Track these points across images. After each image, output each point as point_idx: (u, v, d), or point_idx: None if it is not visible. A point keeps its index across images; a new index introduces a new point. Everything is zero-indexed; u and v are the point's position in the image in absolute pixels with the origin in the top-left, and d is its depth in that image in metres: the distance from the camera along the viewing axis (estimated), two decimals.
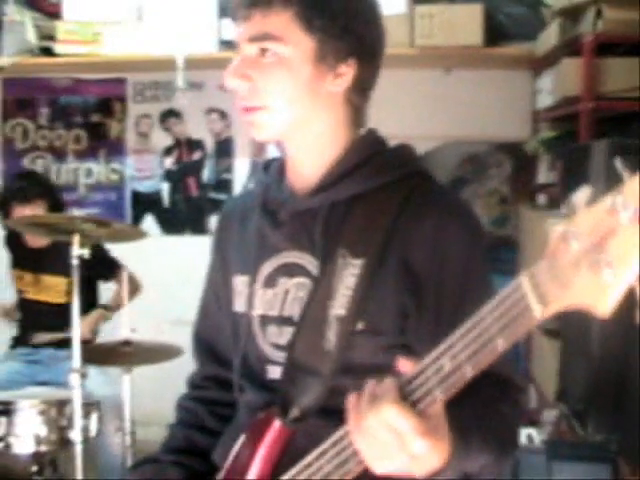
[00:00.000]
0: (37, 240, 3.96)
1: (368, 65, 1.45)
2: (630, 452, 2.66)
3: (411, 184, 1.45)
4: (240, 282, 1.55)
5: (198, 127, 4.97)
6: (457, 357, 1.11)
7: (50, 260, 3.86)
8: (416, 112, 4.72)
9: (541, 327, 3.87)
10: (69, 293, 3.81)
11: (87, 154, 5.12)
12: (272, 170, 1.57)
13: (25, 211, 3.89)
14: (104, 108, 5.09)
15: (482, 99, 4.67)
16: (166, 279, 4.81)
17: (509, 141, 4.72)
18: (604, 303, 0.96)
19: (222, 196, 4.94)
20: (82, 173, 5.03)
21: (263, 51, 1.40)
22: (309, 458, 1.31)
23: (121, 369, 3.39)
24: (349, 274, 1.39)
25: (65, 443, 3.28)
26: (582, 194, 0.99)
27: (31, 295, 4.08)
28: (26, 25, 4.56)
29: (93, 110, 5.11)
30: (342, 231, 1.43)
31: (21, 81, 5.15)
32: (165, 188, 5.06)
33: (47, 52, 4.64)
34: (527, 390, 1.35)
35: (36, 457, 3.39)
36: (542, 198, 4.57)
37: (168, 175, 5.05)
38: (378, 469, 1.18)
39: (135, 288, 3.95)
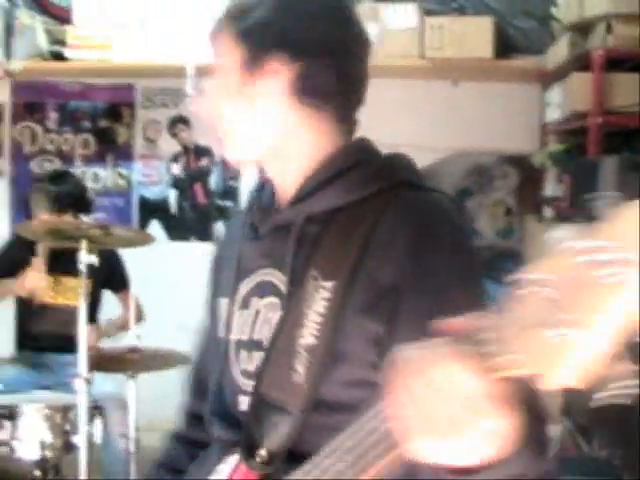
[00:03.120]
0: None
1: (311, 62, 1.32)
2: (634, 469, 2.66)
3: (392, 196, 1.31)
4: (222, 305, 1.44)
5: (206, 134, 4.98)
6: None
7: (69, 261, 3.79)
8: (424, 123, 4.73)
9: None
10: (90, 295, 3.76)
11: (95, 159, 5.13)
12: (267, 188, 1.45)
13: (50, 218, 3.85)
14: (113, 113, 5.10)
15: (490, 111, 4.68)
16: (171, 285, 4.81)
17: (516, 153, 4.72)
18: (556, 372, 0.80)
19: (229, 203, 4.95)
20: (89, 178, 5.03)
21: None
22: (319, 457, 1.11)
23: (126, 375, 3.40)
24: (319, 298, 1.27)
25: (69, 448, 3.29)
26: (560, 234, 0.84)
27: (48, 298, 4.03)
28: (37, 29, 4.58)
29: (102, 115, 5.12)
30: (315, 249, 1.31)
31: (31, 85, 5.16)
32: (172, 194, 5.06)
33: (57, 57, 4.66)
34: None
35: (40, 462, 3.39)
36: (548, 211, 4.58)
37: (175, 181, 5.06)
38: (432, 452, 0.90)
39: (139, 316, 3.85)
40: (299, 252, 1.32)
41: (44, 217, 3.83)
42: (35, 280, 3.89)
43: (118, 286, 4.08)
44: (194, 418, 1.57)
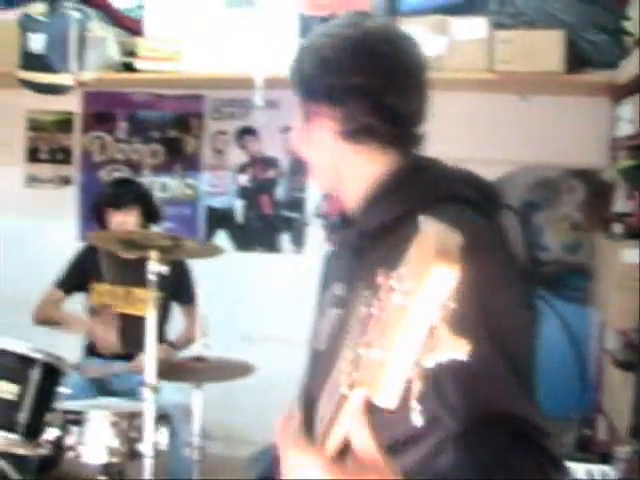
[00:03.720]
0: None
1: (345, 107, 1.49)
2: None
3: (428, 211, 1.42)
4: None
5: (273, 145, 5.00)
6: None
7: (140, 272, 3.83)
8: (492, 136, 4.69)
9: (613, 358, 3.82)
10: (159, 308, 3.78)
11: (163, 168, 5.18)
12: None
13: (119, 217, 3.95)
14: (181, 124, 5.15)
15: (560, 126, 4.62)
16: (236, 295, 4.84)
17: (585, 168, 4.66)
18: (380, 390, 0.89)
19: (295, 214, 4.96)
20: (157, 187, 5.09)
21: None
22: None
23: (192, 384, 3.42)
24: (359, 306, 1.38)
25: (134, 455, 3.32)
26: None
27: (119, 309, 4.10)
28: (109, 41, 4.64)
29: (170, 125, 5.17)
30: (365, 261, 1.45)
31: (101, 95, 5.24)
32: (239, 205, 5.08)
33: (128, 68, 4.72)
34: (549, 434, 1.21)
35: (105, 468, 3.42)
36: (618, 227, 4.50)
37: (242, 192, 5.07)
38: None
39: (203, 330, 3.87)
40: (354, 266, 1.48)
41: (115, 220, 3.90)
42: (105, 339, 3.98)
43: (185, 299, 4.11)
44: None
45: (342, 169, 1.55)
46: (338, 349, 1.35)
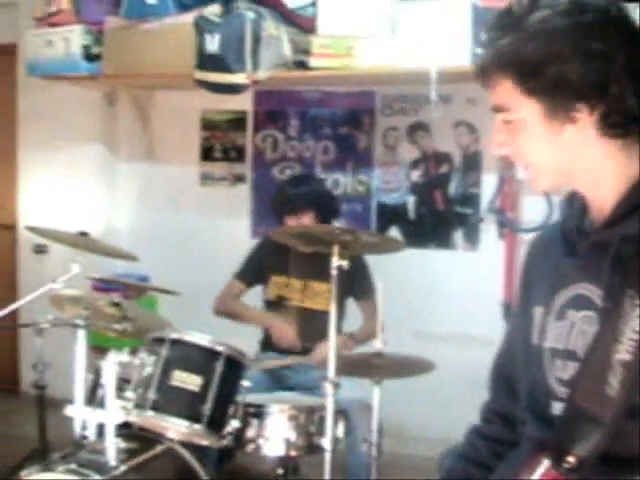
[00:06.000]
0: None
1: (600, 99, 1.39)
2: None
3: None
4: (538, 313, 1.57)
5: (445, 140, 4.95)
6: None
7: (318, 266, 3.83)
8: None
9: None
10: (338, 301, 3.77)
11: (334, 165, 5.22)
12: (577, 201, 1.56)
13: (292, 221, 3.96)
14: (352, 120, 5.17)
15: None
16: (408, 292, 4.81)
17: None
18: None
19: (469, 210, 4.89)
20: (329, 184, 5.11)
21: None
22: None
23: (371, 380, 3.40)
24: (636, 316, 1.34)
25: (312, 449, 3.33)
26: None
27: (297, 302, 4.15)
28: (282, 40, 4.69)
29: (342, 122, 5.20)
30: (632, 268, 1.38)
31: (272, 93, 5.32)
32: (411, 201, 5.06)
33: (301, 65, 4.75)
34: None
35: (283, 461, 3.45)
36: None
37: (414, 188, 5.05)
38: None
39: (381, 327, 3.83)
40: (616, 270, 1.41)
41: (290, 222, 3.93)
42: (284, 335, 4.03)
43: (364, 294, 4.09)
44: (497, 416, 1.74)
45: (595, 167, 1.46)
46: (609, 356, 1.35)
